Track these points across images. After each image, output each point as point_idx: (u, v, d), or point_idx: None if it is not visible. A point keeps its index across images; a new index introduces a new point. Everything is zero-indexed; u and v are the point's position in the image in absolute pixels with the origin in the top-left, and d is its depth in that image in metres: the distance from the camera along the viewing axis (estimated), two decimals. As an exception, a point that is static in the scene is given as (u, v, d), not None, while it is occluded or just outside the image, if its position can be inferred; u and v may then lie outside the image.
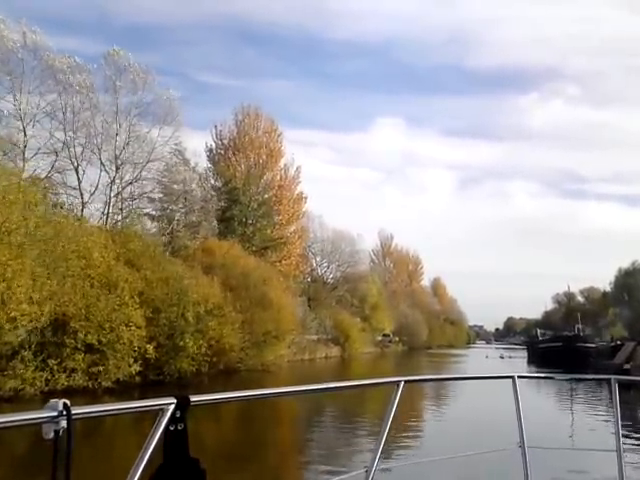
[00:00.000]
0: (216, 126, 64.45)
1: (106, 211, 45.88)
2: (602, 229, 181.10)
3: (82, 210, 44.59)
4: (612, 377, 4.70)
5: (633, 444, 15.04)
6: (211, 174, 61.51)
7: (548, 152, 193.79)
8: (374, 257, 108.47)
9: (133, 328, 27.85)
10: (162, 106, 47.73)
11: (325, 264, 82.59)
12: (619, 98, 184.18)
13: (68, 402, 1.93)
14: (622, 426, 4.66)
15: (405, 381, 3.63)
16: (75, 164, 45.61)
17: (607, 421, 18.79)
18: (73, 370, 25.91)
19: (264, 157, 64.93)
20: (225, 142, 64.59)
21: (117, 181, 46.41)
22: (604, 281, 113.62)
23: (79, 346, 25.98)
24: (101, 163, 46.13)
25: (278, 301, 42.71)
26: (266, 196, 63.33)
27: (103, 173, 46.23)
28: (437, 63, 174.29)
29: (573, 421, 23.89)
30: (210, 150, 63.31)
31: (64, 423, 1.92)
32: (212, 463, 2.69)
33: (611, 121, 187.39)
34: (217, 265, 40.34)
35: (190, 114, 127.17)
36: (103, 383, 26.44)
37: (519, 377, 4.52)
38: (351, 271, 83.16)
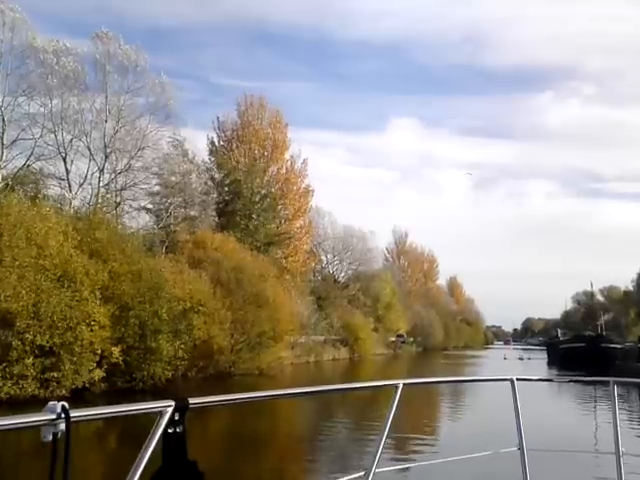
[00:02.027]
0: (218, 117, 60.49)
1: (94, 202, 42.12)
2: (621, 228, 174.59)
3: (70, 202, 40.94)
4: (611, 379, 4.56)
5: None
6: (213, 166, 57.45)
7: (565, 151, 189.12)
8: (388, 255, 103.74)
9: (95, 328, 23.68)
10: (154, 91, 43.82)
11: (336, 262, 78.22)
12: (636, 97, 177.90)
13: (66, 405, 1.87)
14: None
15: (404, 384, 3.57)
16: (63, 153, 41.95)
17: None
18: (22, 376, 21.75)
19: (269, 149, 60.74)
20: (228, 134, 60.43)
21: (107, 170, 42.82)
22: (624, 280, 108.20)
23: (28, 349, 21.82)
24: (89, 152, 42.41)
25: (276, 299, 38.30)
26: (272, 190, 59.20)
27: (92, 163, 42.68)
28: (452, 63, 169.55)
29: (581, 424, 22.35)
30: (212, 143, 59.13)
31: (63, 426, 1.87)
32: (210, 466, 2.61)
33: (628, 120, 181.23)
34: (208, 259, 36.11)
35: (205, 116, 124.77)
36: (57, 391, 22.23)
37: (518, 380, 4.40)
38: (363, 269, 78.68)
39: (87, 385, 23.79)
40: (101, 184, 42.46)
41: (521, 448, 4.26)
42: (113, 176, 42.80)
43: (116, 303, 25.00)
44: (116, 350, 24.48)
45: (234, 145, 59.61)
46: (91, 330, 23.42)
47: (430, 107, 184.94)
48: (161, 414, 2.14)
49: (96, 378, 23.96)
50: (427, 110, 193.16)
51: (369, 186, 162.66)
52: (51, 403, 1.88)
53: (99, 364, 24.33)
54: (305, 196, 62.19)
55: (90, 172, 42.01)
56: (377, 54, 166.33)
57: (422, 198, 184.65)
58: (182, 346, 26.98)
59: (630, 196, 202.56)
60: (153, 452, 2.11)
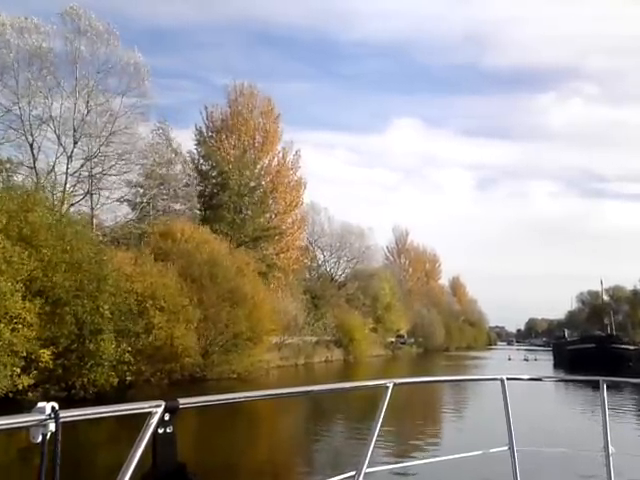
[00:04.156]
0: (206, 107, 56.04)
1: (62, 192, 37.99)
2: (624, 228, 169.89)
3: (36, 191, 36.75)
4: (600, 378, 4.42)
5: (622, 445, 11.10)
6: (200, 158, 53.08)
7: (567, 151, 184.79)
8: (388, 254, 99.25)
9: (19, 326, 19.33)
10: (126, 71, 39.52)
11: (333, 259, 73.71)
12: (638, 97, 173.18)
13: (56, 405, 1.85)
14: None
15: (395, 383, 3.52)
16: (30, 139, 37.91)
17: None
18: None
19: (259, 140, 56.32)
20: (217, 124, 56.02)
21: (76, 157, 38.66)
22: (628, 281, 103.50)
23: None
24: (57, 137, 38.28)
25: (255, 296, 33.84)
26: (263, 182, 54.90)
27: (60, 149, 38.57)
28: (454, 63, 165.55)
29: (582, 424, 20.98)
30: (200, 132, 54.70)
31: (52, 427, 1.83)
32: (200, 467, 2.59)
33: (630, 120, 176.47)
34: (178, 252, 31.71)
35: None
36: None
37: (508, 379, 4.33)
38: (362, 267, 74.15)
39: (10, 394, 19.42)
40: (69, 171, 38.38)
41: (511, 448, 4.22)
42: (83, 163, 38.74)
43: (48, 297, 20.63)
44: (46, 353, 20.11)
45: (223, 136, 55.22)
46: (12, 329, 19.07)
47: (432, 107, 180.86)
48: (151, 415, 2.11)
49: (20, 386, 19.57)
50: (429, 110, 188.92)
51: (372, 186, 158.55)
52: (40, 404, 1.83)
53: (26, 370, 19.98)
54: (297, 189, 57.72)
55: (58, 159, 38.08)
56: (379, 55, 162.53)
57: (425, 198, 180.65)
58: (129, 348, 22.52)
59: (633, 196, 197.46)
60: (143, 453, 2.05)
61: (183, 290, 28.93)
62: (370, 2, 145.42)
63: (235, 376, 32.25)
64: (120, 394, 23.36)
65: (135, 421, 2.21)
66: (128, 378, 24.27)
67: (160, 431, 2.11)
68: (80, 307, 20.95)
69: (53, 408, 1.81)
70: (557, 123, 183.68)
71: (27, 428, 1.82)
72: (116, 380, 22.20)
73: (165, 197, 48.30)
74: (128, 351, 22.36)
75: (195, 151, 53.05)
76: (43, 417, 1.80)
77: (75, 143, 38.40)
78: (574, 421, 21.98)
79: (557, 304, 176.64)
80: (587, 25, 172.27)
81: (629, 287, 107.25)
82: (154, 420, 2.09)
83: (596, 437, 4.52)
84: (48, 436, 1.81)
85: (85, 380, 21.52)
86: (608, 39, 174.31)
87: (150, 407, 2.11)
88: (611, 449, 4.23)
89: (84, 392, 21.75)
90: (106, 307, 21.50)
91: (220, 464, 13.20)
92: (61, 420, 1.82)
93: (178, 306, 27.79)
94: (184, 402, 2.25)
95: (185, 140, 52.04)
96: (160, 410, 2.12)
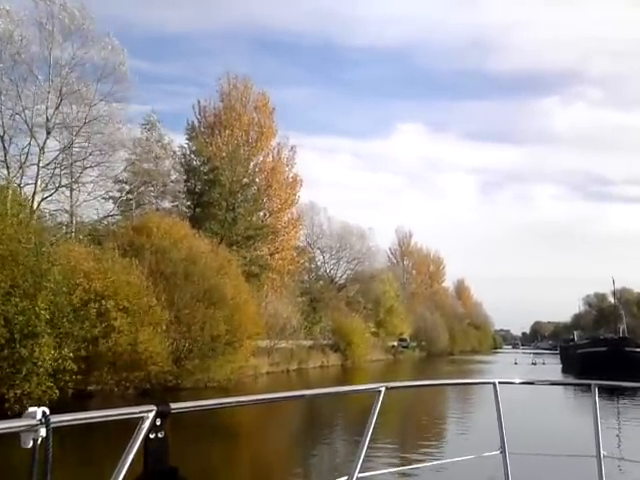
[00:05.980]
0: (199, 101, 52.67)
1: (36, 185, 34.78)
2: (629, 231, 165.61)
3: (8, 185, 33.49)
4: (592, 382, 4.38)
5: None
6: (191, 153, 49.63)
7: (571, 155, 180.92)
8: (391, 256, 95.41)
9: None
10: (101, 56, 36.15)
11: (333, 261, 70.04)
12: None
13: (47, 410, 1.80)
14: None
15: (387, 388, 3.41)
16: (0, 131, 34.74)
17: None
18: None
19: (254, 135, 52.84)
20: (210, 119, 52.63)
21: (48, 149, 35.41)
22: (635, 283, 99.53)
23: None
24: (29, 128, 35.01)
25: (237, 296, 30.25)
26: (257, 180, 51.49)
27: (33, 141, 35.33)
28: (457, 68, 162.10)
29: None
30: (192, 128, 51.26)
31: (43, 432, 1.78)
32: (191, 472, 2.49)
33: (634, 123, 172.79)
34: (149, 247, 28.21)
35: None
36: None
37: (500, 383, 4.23)
38: (362, 269, 70.46)
39: None
40: (41, 164, 35.10)
41: (503, 452, 4.10)
42: (56, 154, 35.51)
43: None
44: (-33, 361, 16.65)
45: (216, 131, 51.85)
46: None
47: (436, 112, 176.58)
48: (142, 419, 2.06)
49: None
50: (433, 115, 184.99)
51: (375, 191, 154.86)
52: (31, 409, 1.77)
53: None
54: (293, 186, 54.14)
55: (26, 149, 34.83)
56: (382, 60, 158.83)
57: (429, 202, 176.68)
58: (70, 354, 18.98)
59: (637, 199, 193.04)
60: (134, 458, 2.02)
61: (151, 289, 25.44)
62: (372, 8, 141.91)
63: (215, 384, 28.73)
64: (68, 407, 19.98)
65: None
66: (79, 388, 20.85)
67: (151, 436, 2.04)
68: (12, 306, 17.45)
69: (44, 413, 1.75)
70: (561, 127, 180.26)
71: (18, 433, 1.74)
72: (57, 391, 18.60)
73: (152, 194, 45.23)
74: (70, 357, 18.79)
75: (186, 146, 49.68)
76: (34, 422, 1.74)
77: (48, 133, 35.21)
78: (578, 426, 19.95)
79: (562, 307, 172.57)
80: (590, 29, 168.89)
81: (636, 289, 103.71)
82: (145, 425, 2.03)
83: (591, 441, 4.15)
84: (39, 441, 1.74)
85: (19, 392, 17.99)
86: (611, 43, 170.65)
87: (141, 412, 2.05)
88: (603, 453, 4.08)
89: (20, 406, 18.22)
90: (43, 306, 17.98)
91: (210, 470, 12.93)
92: (52, 425, 1.76)
93: (144, 307, 24.30)
94: (176, 407, 2.17)
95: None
96: (152, 415, 2.05)
